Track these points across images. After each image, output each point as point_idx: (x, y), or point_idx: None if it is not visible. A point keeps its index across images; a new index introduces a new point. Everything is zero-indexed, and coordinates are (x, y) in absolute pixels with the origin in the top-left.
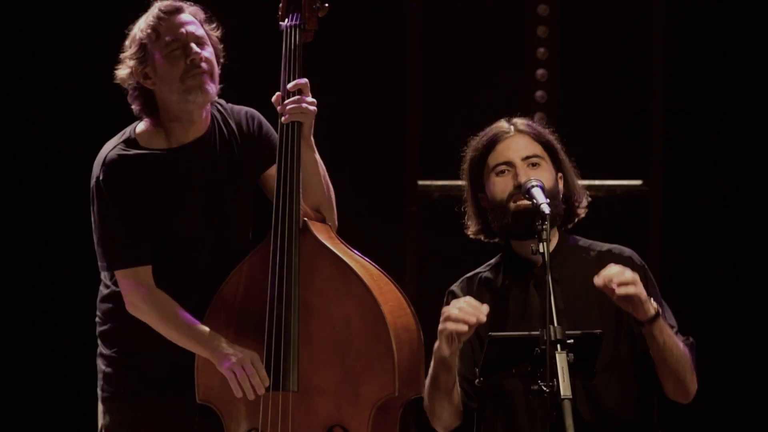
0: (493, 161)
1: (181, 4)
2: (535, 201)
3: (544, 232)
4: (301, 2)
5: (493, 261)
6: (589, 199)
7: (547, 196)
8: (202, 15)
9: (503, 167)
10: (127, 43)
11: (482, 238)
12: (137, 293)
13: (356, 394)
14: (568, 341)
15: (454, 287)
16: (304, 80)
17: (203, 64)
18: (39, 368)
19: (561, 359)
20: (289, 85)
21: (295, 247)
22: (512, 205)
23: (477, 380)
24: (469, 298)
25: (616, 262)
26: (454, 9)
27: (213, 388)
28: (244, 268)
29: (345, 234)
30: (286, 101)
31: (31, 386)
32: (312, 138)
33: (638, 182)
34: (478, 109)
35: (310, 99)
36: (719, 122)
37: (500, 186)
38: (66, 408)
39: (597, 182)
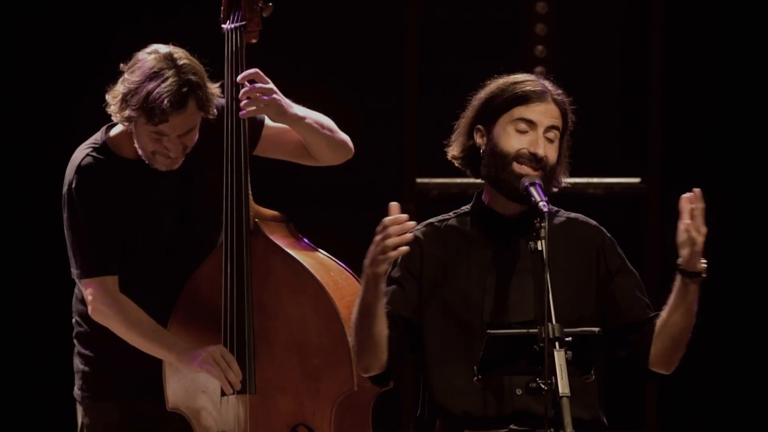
0: (519, 113)
1: (188, 94)
2: (533, 199)
3: (543, 230)
4: (241, 2)
5: (460, 210)
6: (568, 182)
7: (545, 193)
8: (207, 95)
9: (526, 126)
10: (122, 88)
11: (457, 163)
12: (102, 300)
13: (317, 391)
14: (567, 339)
15: (417, 231)
16: (254, 70)
17: (174, 155)
18: (17, 368)
19: (559, 357)
20: (239, 77)
21: (246, 249)
22: (516, 165)
23: (475, 377)
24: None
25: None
26: (452, 7)
27: (180, 397)
28: (201, 273)
29: (343, 232)
30: (241, 94)
31: (9, 387)
32: (290, 109)
33: (636, 180)
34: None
35: (265, 87)
36: (717, 120)
37: (514, 140)
38: (45, 408)
39: (595, 180)
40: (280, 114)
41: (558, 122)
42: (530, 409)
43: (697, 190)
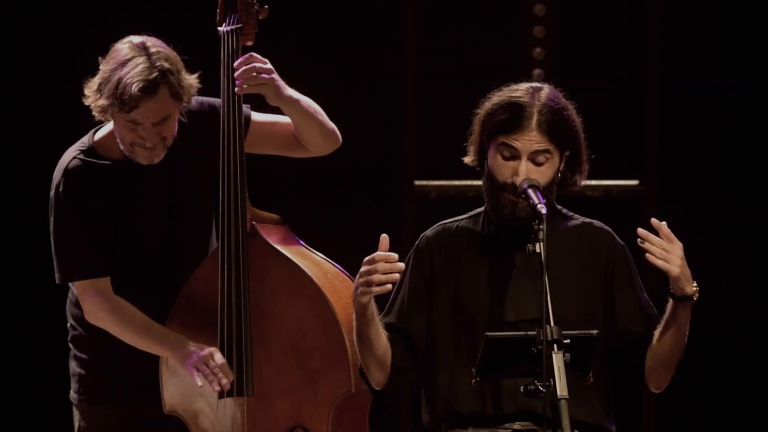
0: (503, 140)
1: (158, 80)
2: (531, 201)
3: (540, 233)
4: (237, 5)
5: (474, 212)
6: (585, 180)
7: (543, 196)
8: (180, 81)
9: (510, 153)
10: (97, 78)
11: (476, 167)
12: (96, 302)
13: (314, 394)
14: (565, 341)
15: (428, 232)
16: (249, 54)
17: (150, 144)
18: (12, 373)
19: (558, 359)
20: (235, 64)
21: (243, 252)
22: (503, 194)
23: (474, 380)
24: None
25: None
26: (450, 9)
27: (177, 399)
28: (198, 276)
29: (342, 234)
30: (237, 73)
31: (5, 392)
32: (285, 90)
33: (635, 182)
34: (474, 109)
35: (264, 66)
36: (716, 122)
37: (501, 169)
38: (41, 413)
39: (593, 182)
40: (278, 95)
41: (545, 145)
42: (535, 410)
43: (641, 230)
